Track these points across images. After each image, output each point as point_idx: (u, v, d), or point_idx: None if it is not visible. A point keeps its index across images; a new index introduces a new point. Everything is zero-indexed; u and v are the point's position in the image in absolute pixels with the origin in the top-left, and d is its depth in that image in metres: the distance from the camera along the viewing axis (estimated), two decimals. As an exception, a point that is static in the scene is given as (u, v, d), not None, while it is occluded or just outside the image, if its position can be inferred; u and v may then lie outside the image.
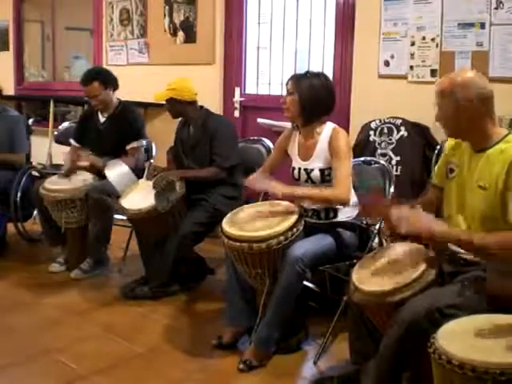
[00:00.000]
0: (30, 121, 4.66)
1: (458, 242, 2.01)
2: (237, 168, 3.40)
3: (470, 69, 2.32)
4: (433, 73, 3.50)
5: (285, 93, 2.82)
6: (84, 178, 3.71)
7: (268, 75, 4.50)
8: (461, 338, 1.69)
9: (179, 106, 3.40)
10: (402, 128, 3.47)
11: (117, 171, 3.58)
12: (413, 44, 3.57)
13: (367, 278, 2.15)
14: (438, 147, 3.25)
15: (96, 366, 2.61)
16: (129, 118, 3.78)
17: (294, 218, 2.60)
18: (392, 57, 3.67)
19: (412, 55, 3.58)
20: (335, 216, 2.75)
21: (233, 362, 2.61)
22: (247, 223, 2.65)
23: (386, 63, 3.70)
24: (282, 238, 2.53)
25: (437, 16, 3.45)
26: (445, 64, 3.43)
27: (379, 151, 3.52)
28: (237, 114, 4.58)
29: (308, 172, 2.74)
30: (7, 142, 3.99)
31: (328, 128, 2.74)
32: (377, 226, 2.90)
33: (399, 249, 2.27)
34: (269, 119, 4.27)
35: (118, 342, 2.85)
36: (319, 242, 2.63)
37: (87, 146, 3.91)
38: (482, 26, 3.28)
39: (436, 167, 2.36)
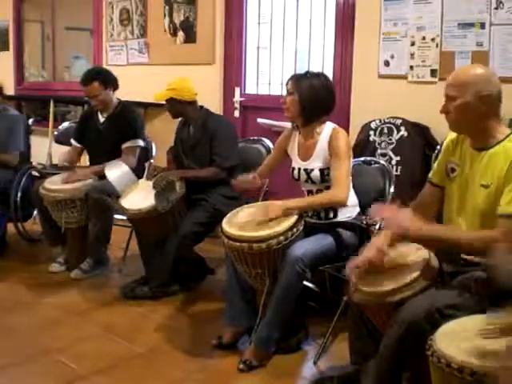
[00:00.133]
0: (30, 121, 4.65)
1: (433, 239, 2.03)
2: (237, 168, 3.40)
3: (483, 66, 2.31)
4: (433, 73, 3.50)
5: (285, 93, 2.82)
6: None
7: (268, 75, 4.50)
8: (460, 339, 1.68)
9: (179, 106, 3.40)
10: (402, 128, 3.47)
11: (117, 171, 3.58)
12: (413, 44, 3.57)
13: (367, 278, 2.15)
14: (438, 147, 3.25)
15: (96, 366, 2.62)
16: (128, 118, 3.78)
17: (293, 218, 2.60)
18: (392, 57, 3.67)
19: (412, 55, 3.58)
20: (335, 216, 2.75)
21: (233, 362, 2.61)
22: (247, 223, 2.65)
23: (386, 63, 3.70)
24: (282, 237, 2.53)
25: (437, 16, 3.45)
26: (445, 64, 3.43)
27: (379, 151, 3.52)
28: (237, 114, 4.58)
29: (308, 172, 2.74)
30: (5, 141, 3.98)
31: (328, 128, 2.74)
32: (377, 226, 2.90)
33: (399, 249, 2.27)
34: (269, 119, 4.27)
35: (118, 342, 2.85)
36: (319, 242, 2.63)
37: (87, 145, 3.92)
38: (482, 26, 3.28)
39: (435, 165, 2.34)
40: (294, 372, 2.63)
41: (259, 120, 4.33)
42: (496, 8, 3.23)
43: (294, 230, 2.57)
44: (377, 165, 3.15)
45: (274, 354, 2.66)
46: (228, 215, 2.75)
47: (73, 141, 3.97)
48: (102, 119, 3.86)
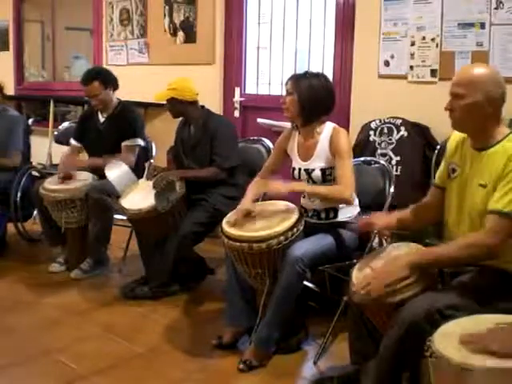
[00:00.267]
0: (30, 121, 4.66)
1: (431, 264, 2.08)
2: (237, 168, 3.40)
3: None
4: (433, 73, 3.50)
5: (284, 93, 2.82)
6: (84, 178, 3.72)
7: (268, 75, 4.50)
8: (459, 340, 1.67)
9: (180, 106, 3.40)
10: (402, 128, 3.46)
11: (117, 171, 3.58)
12: (413, 44, 3.57)
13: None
14: (438, 147, 3.25)
15: (96, 366, 2.62)
16: (128, 118, 3.78)
17: (294, 218, 2.60)
18: (392, 57, 3.67)
19: (412, 55, 3.58)
20: (335, 216, 2.75)
21: (233, 362, 2.61)
22: (247, 223, 2.65)
23: (386, 63, 3.70)
24: (282, 238, 2.52)
25: (437, 16, 3.45)
26: (445, 64, 3.43)
27: (379, 151, 3.52)
28: (237, 114, 4.58)
29: (309, 172, 2.74)
30: (5, 142, 3.98)
31: (328, 127, 2.74)
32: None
33: (399, 249, 2.27)
34: (269, 119, 4.27)
35: (118, 342, 2.85)
36: (319, 242, 2.63)
37: (87, 145, 3.92)
38: (482, 26, 3.28)
39: (438, 169, 2.35)
40: (294, 372, 2.62)
41: (259, 120, 4.33)
42: (496, 8, 3.23)
43: (294, 230, 2.57)
44: (377, 165, 3.15)
45: (274, 353, 2.66)
46: (228, 215, 2.75)
47: (72, 140, 3.96)
48: (102, 119, 3.86)
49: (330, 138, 2.69)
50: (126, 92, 3.99)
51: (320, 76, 2.76)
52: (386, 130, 3.52)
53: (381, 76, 3.73)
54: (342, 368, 2.48)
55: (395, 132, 3.48)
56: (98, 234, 3.63)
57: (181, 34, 4.83)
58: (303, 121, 2.75)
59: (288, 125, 2.94)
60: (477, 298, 1.94)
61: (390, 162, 3.38)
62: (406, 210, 2.40)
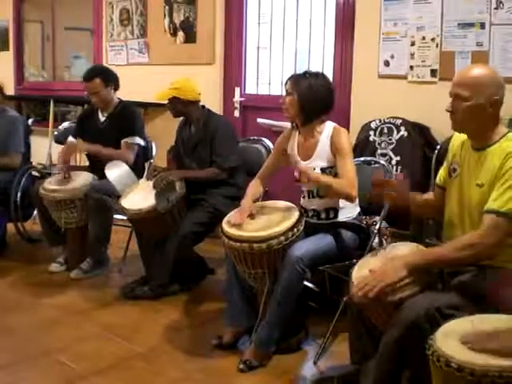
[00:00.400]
0: (30, 121, 4.66)
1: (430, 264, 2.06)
2: (237, 168, 3.40)
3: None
4: (433, 73, 3.50)
5: (284, 93, 2.82)
6: (84, 178, 3.72)
7: (268, 75, 4.50)
8: (460, 339, 1.68)
9: (182, 106, 3.39)
10: (402, 128, 3.46)
11: (117, 171, 3.58)
12: (413, 44, 3.57)
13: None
14: (438, 147, 3.25)
15: (96, 366, 2.62)
16: (128, 117, 3.78)
17: (294, 218, 2.60)
18: (392, 57, 3.67)
19: (412, 55, 3.58)
20: (335, 216, 2.75)
21: (233, 362, 2.61)
22: (247, 223, 2.64)
23: (386, 63, 3.70)
24: (282, 238, 2.52)
25: (437, 16, 3.45)
26: (445, 64, 3.43)
27: (379, 151, 3.52)
28: (237, 113, 4.58)
29: (309, 172, 2.74)
30: (5, 142, 3.98)
31: (328, 127, 2.74)
32: (377, 226, 2.91)
33: (399, 249, 2.27)
34: (269, 119, 4.27)
35: (118, 342, 2.85)
36: (319, 242, 2.63)
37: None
38: (482, 26, 3.28)
39: (440, 169, 2.36)
40: (293, 372, 2.62)
41: (259, 120, 4.33)
42: (496, 8, 3.23)
43: (295, 230, 2.57)
44: (377, 165, 3.15)
45: (273, 353, 2.66)
46: (228, 215, 2.75)
47: (71, 137, 3.94)
48: (102, 118, 3.86)
49: (331, 138, 2.69)
50: (126, 92, 3.99)
51: (319, 76, 2.76)
52: (386, 130, 3.52)
53: (381, 76, 3.73)
54: (342, 368, 2.48)
55: (395, 132, 3.48)
56: (98, 234, 3.63)
57: (181, 34, 4.83)
58: (303, 120, 2.75)
59: (288, 125, 2.94)
60: (476, 297, 1.94)
61: (389, 162, 3.38)
62: (418, 196, 2.40)
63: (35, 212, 4.07)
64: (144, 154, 3.93)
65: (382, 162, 3.18)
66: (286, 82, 2.78)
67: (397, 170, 3.40)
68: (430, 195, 2.44)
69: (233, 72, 4.62)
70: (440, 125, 3.31)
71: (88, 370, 2.59)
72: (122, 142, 3.71)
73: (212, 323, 3.03)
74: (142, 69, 5.10)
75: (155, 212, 3.20)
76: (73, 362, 2.64)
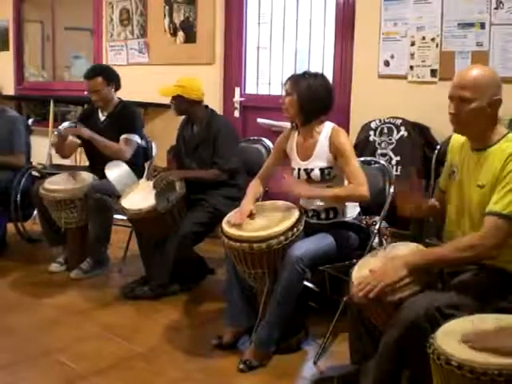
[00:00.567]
0: (30, 121, 4.65)
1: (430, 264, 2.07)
2: (238, 170, 3.40)
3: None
4: (433, 73, 3.50)
5: (284, 93, 2.82)
6: (84, 178, 3.72)
7: (268, 75, 4.50)
8: (460, 338, 1.68)
9: (186, 105, 3.39)
10: (402, 128, 3.47)
11: (117, 171, 3.58)
12: (413, 44, 3.57)
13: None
14: (438, 147, 3.25)
15: (96, 366, 2.61)
16: (128, 116, 3.78)
17: (294, 217, 2.60)
18: (392, 57, 3.67)
19: (412, 55, 3.58)
20: (335, 216, 2.75)
21: (233, 362, 2.61)
22: (247, 223, 2.64)
23: (386, 63, 3.70)
24: (282, 237, 2.52)
25: (437, 16, 3.45)
26: (445, 64, 3.43)
27: (379, 151, 3.52)
28: (237, 114, 4.58)
29: (308, 172, 2.74)
30: (7, 143, 3.99)
31: (327, 127, 2.74)
32: (377, 226, 2.91)
33: (399, 249, 2.27)
34: (269, 119, 4.27)
35: (118, 342, 2.85)
36: (319, 242, 2.63)
37: (87, 144, 3.90)
38: (482, 26, 3.28)
39: (442, 174, 2.36)
40: (293, 372, 2.62)
41: (259, 120, 4.33)
42: (496, 8, 3.23)
43: (295, 229, 2.56)
44: (377, 165, 3.14)
45: (273, 353, 2.66)
46: (228, 215, 2.75)
47: (71, 136, 3.94)
48: (102, 117, 3.86)
49: (330, 138, 2.69)
50: (126, 92, 3.99)
51: (319, 76, 2.76)
52: (386, 130, 3.52)
53: (381, 76, 3.73)
54: (342, 368, 2.48)
55: (395, 132, 3.48)
56: (98, 234, 3.63)
57: (181, 34, 4.83)
58: (302, 121, 2.75)
59: (288, 125, 2.94)
60: (476, 297, 1.94)
61: (390, 162, 3.38)
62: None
63: (35, 212, 4.06)
64: (144, 153, 3.94)
65: (382, 161, 3.18)
66: (286, 83, 2.78)
67: (397, 170, 3.41)
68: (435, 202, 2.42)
69: (233, 72, 4.62)
70: (440, 125, 3.32)
71: (88, 369, 2.59)
72: (121, 138, 3.71)
73: (212, 323, 3.03)
74: (141, 69, 5.10)
75: (155, 212, 3.20)
76: (73, 362, 2.64)
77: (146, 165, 3.99)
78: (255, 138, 3.82)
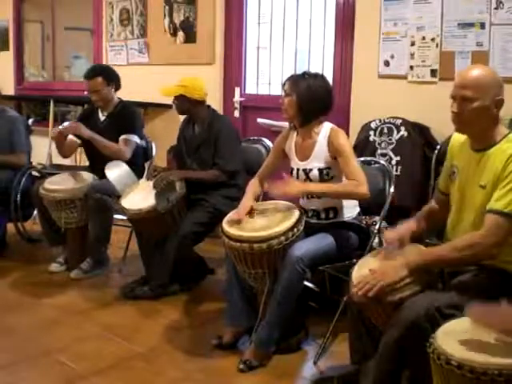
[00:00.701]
0: (30, 121, 4.66)
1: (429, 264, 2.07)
2: (238, 171, 3.39)
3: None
4: (433, 73, 3.50)
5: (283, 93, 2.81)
6: (84, 178, 3.72)
7: (268, 75, 4.50)
8: (460, 338, 1.69)
9: (188, 104, 3.39)
10: (402, 128, 3.46)
11: (117, 171, 3.59)
12: (413, 44, 3.57)
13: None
14: (438, 147, 3.25)
15: (96, 366, 2.61)
16: (127, 116, 3.79)
17: (294, 218, 2.60)
18: (392, 57, 3.67)
19: (412, 55, 3.58)
20: (335, 216, 2.75)
21: (233, 362, 2.61)
22: (247, 222, 2.64)
23: (386, 63, 3.70)
24: (282, 238, 2.52)
25: (437, 16, 3.45)
26: (445, 64, 3.43)
27: (379, 151, 3.52)
28: (237, 114, 4.58)
29: (307, 172, 2.74)
30: (7, 142, 3.99)
31: (326, 128, 2.74)
32: (377, 226, 2.91)
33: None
34: (269, 119, 4.27)
35: (118, 342, 2.85)
36: (319, 242, 2.63)
37: (87, 144, 3.91)
38: (482, 26, 3.28)
39: (441, 175, 2.36)
40: (293, 372, 2.62)
41: (259, 120, 4.33)
42: (496, 8, 3.23)
43: (295, 230, 2.56)
44: (377, 165, 3.15)
45: (273, 353, 2.66)
46: (228, 215, 2.75)
47: (71, 136, 3.93)
48: (102, 117, 3.86)
49: (328, 139, 2.69)
50: (126, 92, 3.99)
51: (318, 76, 2.76)
52: (386, 130, 3.52)
53: (381, 76, 3.73)
54: (342, 368, 2.48)
55: (395, 132, 3.48)
56: (98, 234, 3.63)
57: (181, 33, 4.83)
58: (302, 121, 2.75)
59: (287, 125, 2.94)
60: (476, 297, 1.94)
61: (390, 162, 3.38)
62: (414, 222, 2.35)
63: (35, 212, 4.07)
64: (144, 153, 3.94)
65: (382, 161, 3.18)
66: (285, 83, 2.78)
67: (397, 170, 3.40)
68: (431, 205, 2.42)
69: (233, 72, 4.62)
70: (440, 125, 3.32)
71: (88, 369, 2.59)
72: (120, 138, 3.71)
73: (212, 323, 3.03)
74: (141, 69, 5.10)
75: (155, 212, 3.20)
76: (73, 362, 2.64)
77: (146, 165, 3.99)
78: (255, 138, 3.82)
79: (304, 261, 2.50)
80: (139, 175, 3.73)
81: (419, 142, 3.42)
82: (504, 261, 2.02)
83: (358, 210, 2.81)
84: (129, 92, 4.13)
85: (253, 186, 2.88)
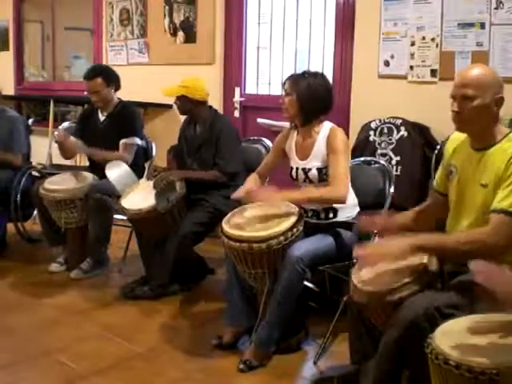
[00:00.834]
0: (30, 121, 4.66)
1: (427, 248, 2.05)
2: (238, 172, 3.40)
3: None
4: (433, 73, 3.50)
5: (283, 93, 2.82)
6: (84, 178, 3.72)
7: (268, 75, 4.50)
8: (458, 337, 1.69)
9: (190, 105, 3.39)
10: (402, 128, 3.47)
11: (117, 171, 3.58)
12: (413, 44, 3.57)
13: (367, 278, 2.15)
14: (438, 147, 3.25)
15: (96, 366, 2.61)
16: (128, 117, 3.79)
17: (293, 218, 2.60)
18: (392, 57, 3.67)
19: (412, 55, 3.58)
20: (335, 216, 2.75)
21: (233, 362, 2.61)
22: (247, 223, 2.64)
23: (386, 63, 3.70)
24: (282, 238, 2.52)
25: (437, 16, 3.45)
26: (445, 64, 3.43)
27: (379, 151, 3.52)
28: (237, 114, 4.58)
29: (306, 171, 2.74)
30: (6, 142, 3.99)
31: (326, 127, 2.74)
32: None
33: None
34: (269, 119, 4.27)
35: (118, 342, 2.85)
36: (319, 242, 2.63)
37: (87, 144, 3.91)
38: (482, 26, 3.28)
39: (436, 174, 2.35)
40: (293, 372, 2.62)
41: (259, 120, 4.33)
42: (496, 8, 3.23)
43: (294, 230, 2.56)
44: (377, 165, 3.15)
45: (273, 353, 2.66)
46: (228, 215, 2.75)
47: (72, 137, 3.94)
48: (102, 118, 3.86)
49: (327, 138, 2.70)
50: (126, 92, 3.99)
51: (318, 75, 2.76)
52: (386, 130, 3.52)
53: (381, 76, 3.73)
54: (342, 368, 2.48)
55: (395, 132, 3.48)
56: (98, 234, 3.63)
57: (181, 33, 4.83)
58: (302, 121, 2.75)
59: (288, 125, 2.94)
60: (476, 297, 1.93)
61: (390, 162, 3.38)
62: (407, 214, 2.39)
63: (35, 212, 4.07)
64: (144, 153, 3.94)
65: (382, 161, 3.18)
66: (285, 83, 2.78)
67: (397, 170, 3.41)
68: (423, 205, 2.41)
69: (233, 72, 4.62)
70: (440, 125, 3.32)
71: (88, 369, 2.59)
72: (121, 143, 3.72)
73: (212, 323, 3.03)
74: (141, 69, 5.10)
75: (155, 212, 3.20)
76: (73, 362, 2.64)
77: (146, 165, 3.99)
78: (255, 137, 3.83)
79: (304, 261, 2.50)
80: (139, 175, 3.73)
81: (419, 142, 3.42)
82: (507, 261, 2.01)
83: (357, 209, 2.81)
84: (129, 92, 4.13)
85: (251, 181, 2.91)
